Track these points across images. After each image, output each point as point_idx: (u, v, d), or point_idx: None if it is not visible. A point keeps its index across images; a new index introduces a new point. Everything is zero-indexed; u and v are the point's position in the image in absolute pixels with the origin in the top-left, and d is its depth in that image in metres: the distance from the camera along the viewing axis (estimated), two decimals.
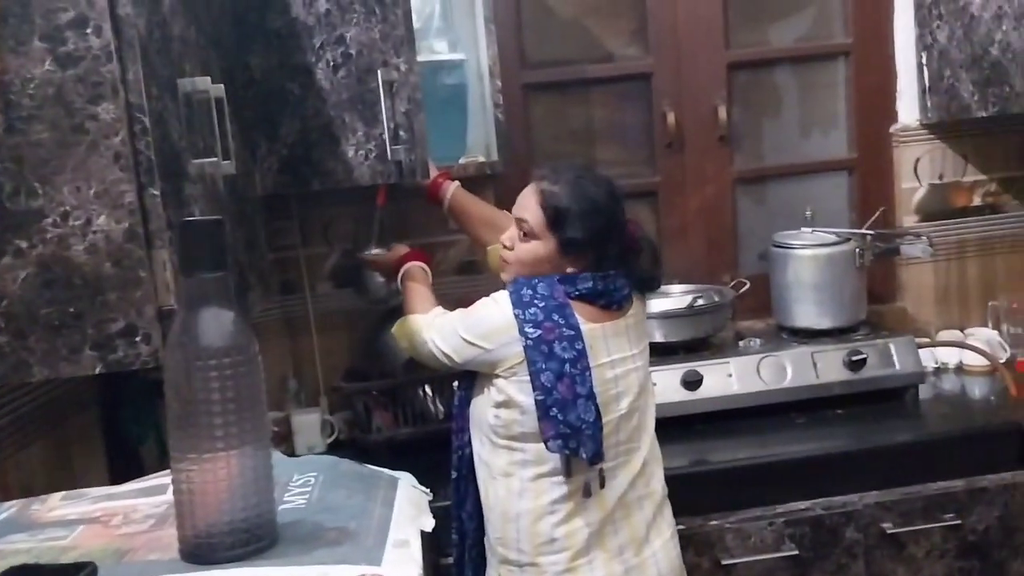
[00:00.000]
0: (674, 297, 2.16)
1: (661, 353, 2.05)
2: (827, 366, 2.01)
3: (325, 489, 0.89)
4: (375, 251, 1.87)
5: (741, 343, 2.14)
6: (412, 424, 2.00)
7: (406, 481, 0.92)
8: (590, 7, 2.31)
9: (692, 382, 1.98)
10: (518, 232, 1.52)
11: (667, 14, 2.28)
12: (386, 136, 1.61)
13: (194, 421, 0.76)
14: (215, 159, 1.43)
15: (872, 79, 2.37)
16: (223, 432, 0.76)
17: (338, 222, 2.19)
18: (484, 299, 1.53)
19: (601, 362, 1.47)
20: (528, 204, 1.51)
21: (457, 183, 1.84)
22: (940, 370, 2.22)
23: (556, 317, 1.44)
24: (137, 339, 1.22)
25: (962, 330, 2.33)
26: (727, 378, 2.00)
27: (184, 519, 0.76)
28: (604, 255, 1.50)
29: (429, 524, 0.83)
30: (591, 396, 1.43)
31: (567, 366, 1.43)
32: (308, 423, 2.09)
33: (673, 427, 1.92)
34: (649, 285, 1.59)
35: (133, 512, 0.86)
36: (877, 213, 2.18)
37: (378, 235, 1.94)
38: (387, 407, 2.01)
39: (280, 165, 1.76)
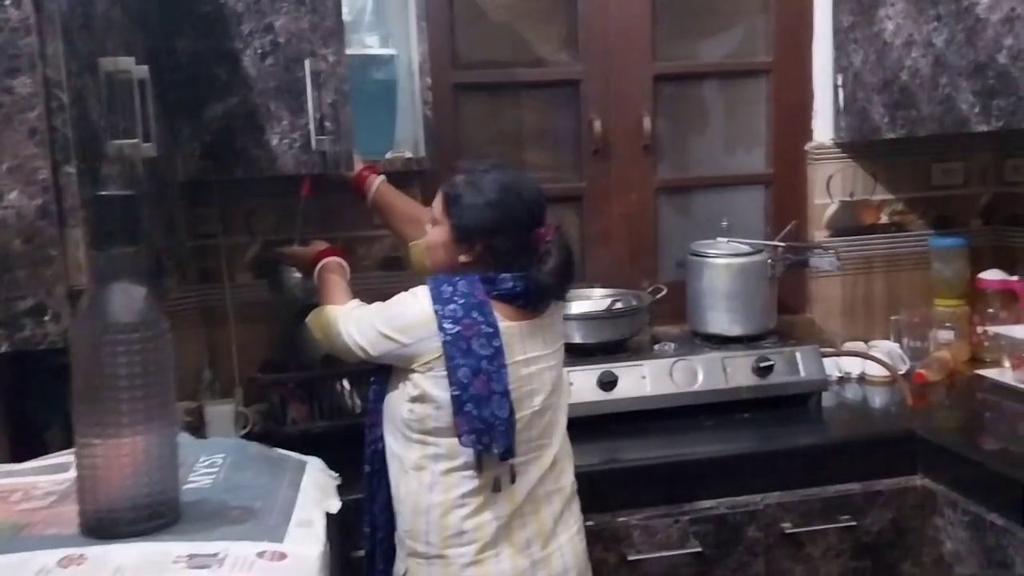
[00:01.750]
0: (593, 300, 2.21)
1: (579, 354, 2.09)
2: (736, 371, 2.08)
3: (232, 470, 0.89)
4: (293, 246, 1.87)
5: (656, 347, 2.19)
6: (328, 417, 1.99)
7: (314, 465, 0.93)
8: (522, 11, 2.34)
9: (608, 383, 2.02)
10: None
11: (597, 23, 2.33)
12: (311, 126, 1.62)
13: (100, 396, 0.75)
14: (135, 141, 1.41)
15: (791, 97, 2.46)
16: (129, 408, 0.76)
17: (260, 212, 2.17)
18: (403, 294, 1.55)
19: (516, 359, 1.50)
20: (439, 193, 1.57)
21: (383, 177, 1.85)
22: (843, 379, 2.31)
23: (475, 314, 1.47)
24: (46, 318, 1.20)
25: (866, 342, 2.43)
26: (641, 380, 2.05)
27: (86, 494, 0.76)
28: (496, 250, 1.51)
29: (335, 506, 0.84)
30: (505, 393, 1.45)
31: (484, 363, 1.45)
32: (221, 414, 2.06)
33: (588, 426, 1.96)
34: (545, 292, 1.52)
35: (33, 489, 0.85)
36: (789, 226, 2.27)
37: (301, 227, 1.94)
38: (303, 400, 2.00)
39: (203, 151, 1.75)
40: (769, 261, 2.20)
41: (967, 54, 1.93)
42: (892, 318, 2.47)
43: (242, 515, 0.79)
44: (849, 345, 2.40)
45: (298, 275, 1.91)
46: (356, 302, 1.63)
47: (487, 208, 1.51)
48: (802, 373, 2.10)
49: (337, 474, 0.93)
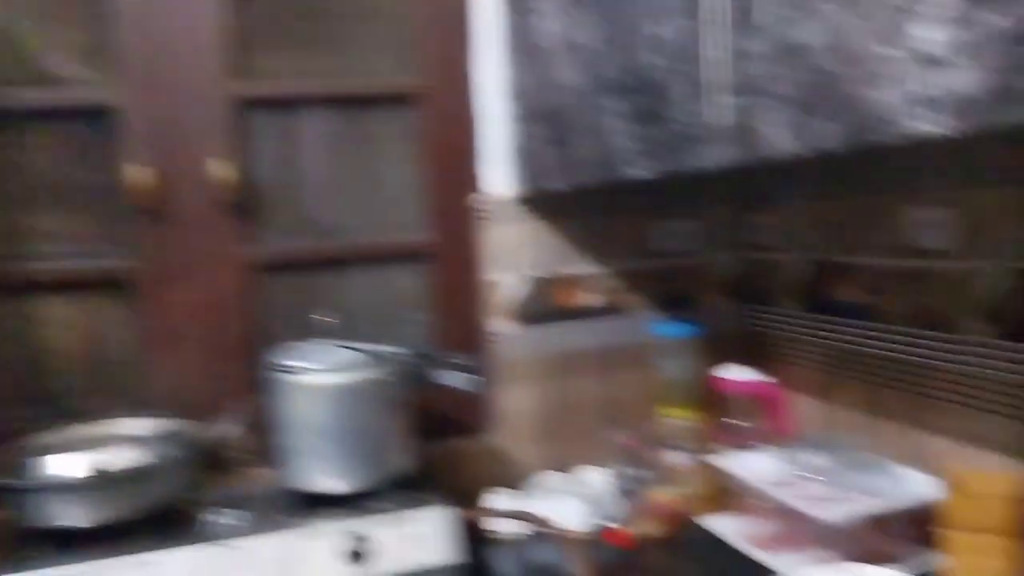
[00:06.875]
0: (88, 454, 1.37)
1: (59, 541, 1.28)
2: (314, 563, 1.31)
3: None
4: None
5: (210, 519, 1.40)
6: None
7: None
8: (22, 7, 1.54)
9: None
10: None
11: (139, 23, 1.55)
12: None
13: None
14: None
15: (449, 134, 1.74)
16: None
17: None
18: None
19: None
20: None
21: None
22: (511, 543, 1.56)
23: None
24: None
25: (566, 472, 1.72)
26: None
27: None
28: None
29: None
30: None
31: None
32: None
33: None
34: None
35: None
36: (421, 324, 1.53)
37: None
38: None
39: None
40: (391, 378, 1.44)
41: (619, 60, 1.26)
42: (611, 438, 1.77)
43: None
44: (545, 478, 1.68)
45: None
46: None
47: None
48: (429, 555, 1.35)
49: None
